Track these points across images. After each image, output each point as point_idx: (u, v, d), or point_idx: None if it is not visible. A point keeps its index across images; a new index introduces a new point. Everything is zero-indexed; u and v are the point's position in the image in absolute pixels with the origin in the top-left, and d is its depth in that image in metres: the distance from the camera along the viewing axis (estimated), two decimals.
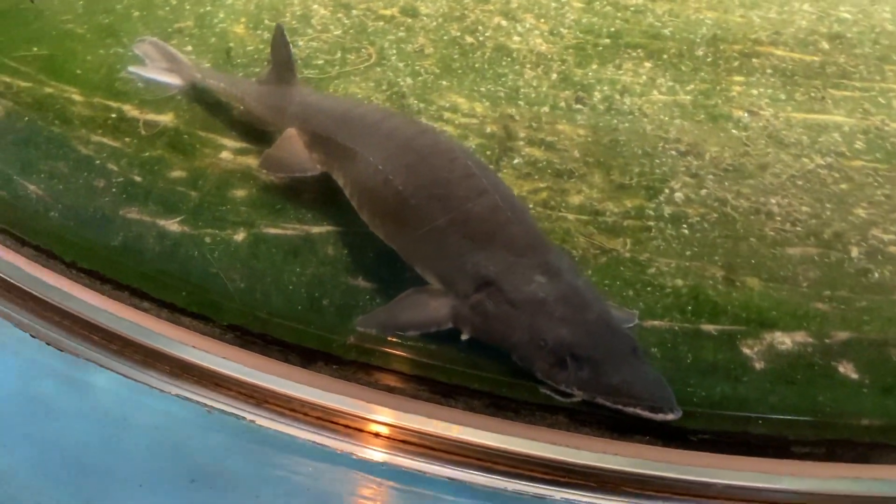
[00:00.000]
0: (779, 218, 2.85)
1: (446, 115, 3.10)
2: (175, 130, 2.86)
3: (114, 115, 2.92)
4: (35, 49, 3.27)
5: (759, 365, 2.20)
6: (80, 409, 1.75)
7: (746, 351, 2.24)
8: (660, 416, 1.68)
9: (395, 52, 3.50)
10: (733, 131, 3.30)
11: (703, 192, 2.91)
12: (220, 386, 1.72)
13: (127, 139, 2.77)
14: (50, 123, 2.82)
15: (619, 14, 4.10)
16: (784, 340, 2.30)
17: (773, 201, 2.92)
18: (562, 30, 3.89)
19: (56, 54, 3.32)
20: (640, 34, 3.95)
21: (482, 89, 3.31)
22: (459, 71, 3.42)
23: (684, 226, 2.73)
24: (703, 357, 2.19)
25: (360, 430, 1.69)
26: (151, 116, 2.88)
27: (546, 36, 3.82)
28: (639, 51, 3.80)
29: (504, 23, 3.87)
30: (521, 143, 3.01)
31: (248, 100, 2.73)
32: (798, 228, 2.82)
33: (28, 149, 2.59)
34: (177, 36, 3.48)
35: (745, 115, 3.40)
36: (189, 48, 3.33)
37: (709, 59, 3.78)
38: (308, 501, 1.60)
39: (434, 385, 1.79)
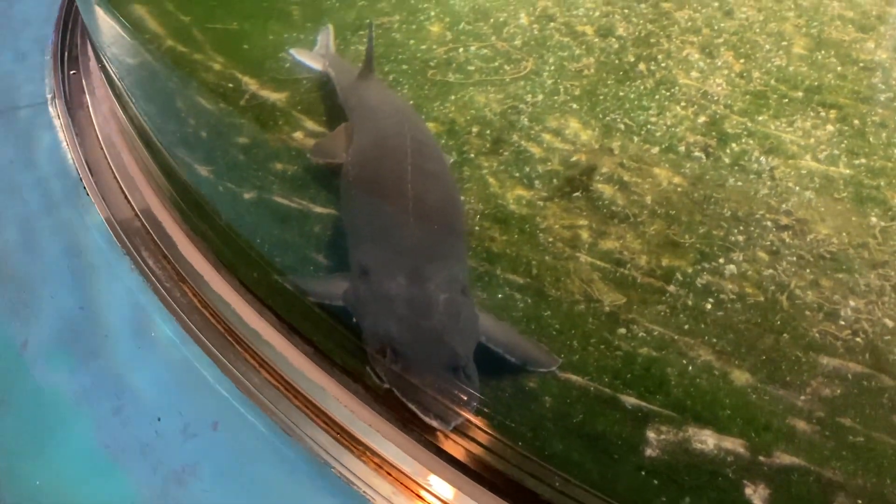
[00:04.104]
0: (843, 322, 2.50)
1: (544, 136, 3.15)
2: (273, 106, 3.12)
3: (231, 86, 3.20)
4: (228, 24, 3.51)
5: (650, 451, 2.06)
6: None
7: (650, 434, 2.10)
8: (427, 418, 1.84)
9: (553, 68, 3.57)
10: (872, 218, 2.88)
11: (769, 272, 2.64)
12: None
13: (223, 105, 3.10)
14: (168, 79, 3.20)
15: (839, 68, 3.67)
16: (708, 441, 2.11)
17: (852, 304, 2.56)
18: (754, 73, 3.63)
19: (242, 30, 3.52)
20: (847, 94, 3.52)
21: (606, 118, 3.28)
22: (601, 97, 3.40)
23: (710, 300, 2.54)
24: (592, 422, 2.11)
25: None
26: (267, 93, 3.15)
27: (731, 77, 3.60)
28: (832, 112, 3.41)
29: (695, 56, 3.71)
30: (599, 177, 2.97)
31: (338, 88, 3.08)
32: (857, 340, 2.45)
33: (135, 88, 2.79)
34: (374, 27, 3.62)
35: None
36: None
37: None
38: None
39: None
